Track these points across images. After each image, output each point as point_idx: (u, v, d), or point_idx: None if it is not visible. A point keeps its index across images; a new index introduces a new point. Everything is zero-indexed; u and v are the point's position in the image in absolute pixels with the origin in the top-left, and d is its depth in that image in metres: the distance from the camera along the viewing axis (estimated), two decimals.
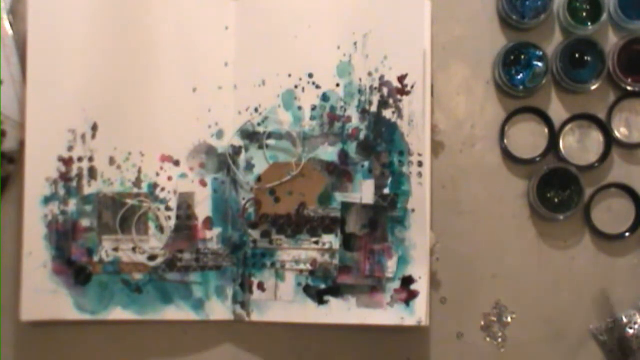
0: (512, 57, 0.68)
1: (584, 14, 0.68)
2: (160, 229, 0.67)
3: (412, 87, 0.65)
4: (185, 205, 0.67)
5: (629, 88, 0.68)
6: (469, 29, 0.70)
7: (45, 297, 0.66)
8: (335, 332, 0.68)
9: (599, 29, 0.68)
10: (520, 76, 0.68)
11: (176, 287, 0.66)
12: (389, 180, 0.65)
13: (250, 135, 0.67)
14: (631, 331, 0.67)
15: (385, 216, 0.65)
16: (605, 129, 0.68)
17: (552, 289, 0.68)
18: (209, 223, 0.67)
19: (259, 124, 0.67)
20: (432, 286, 0.67)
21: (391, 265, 0.65)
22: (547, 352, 0.68)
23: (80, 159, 0.67)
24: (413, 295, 0.65)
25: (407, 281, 0.65)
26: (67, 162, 0.67)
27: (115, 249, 0.66)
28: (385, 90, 0.66)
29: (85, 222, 0.67)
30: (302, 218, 0.66)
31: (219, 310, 0.66)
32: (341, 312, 0.65)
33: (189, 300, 0.66)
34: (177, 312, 0.66)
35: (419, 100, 0.65)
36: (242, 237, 0.66)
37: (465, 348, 0.68)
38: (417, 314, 0.64)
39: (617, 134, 0.69)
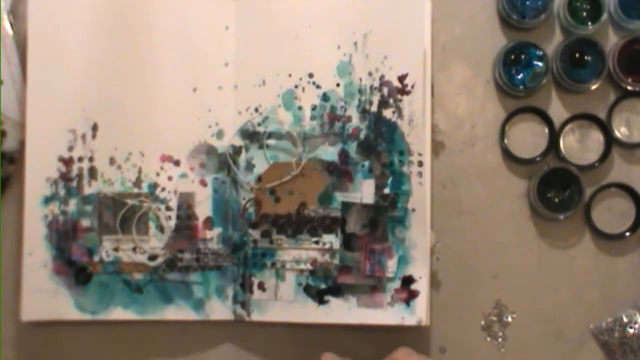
0: (512, 57, 0.68)
1: (584, 14, 0.68)
2: (161, 228, 0.67)
3: (412, 86, 0.65)
4: (186, 205, 0.67)
5: (629, 88, 0.68)
6: (469, 29, 0.70)
7: (46, 297, 0.66)
8: (335, 332, 0.68)
9: (599, 29, 0.68)
10: (520, 76, 0.68)
11: (176, 287, 0.66)
12: (389, 180, 0.65)
13: (251, 135, 0.67)
14: (632, 331, 0.67)
15: (386, 216, 0.65)
16: (606, 128, 0.68)
17: (552, 289, 0.69)
18: (209, 223, 0.67)
19: (259, 124, 0.67)
20: (432, 286, 0.67)
21: (391, 265, 0.65)
22: (547, 351, 0.68)
23: (80, 159, 0.67)
24: (413, 295, 0.65)
25: (408, 281, 0.65)
26: (67, 162, 0.67)
27: (116, 249, 0.67)
28: (385, 90, 0.66)
29: (85, 222, 0.67)
30: (303, 218, 0.66)
31: (219, 310, 0.66)
32: (341, 311, 0.65)
33: (189, 300, 0.66)
34: (177, 312, 0.66)
35: (419, 100, 0.65)
36: (242, 237, 0.66)
37: (465, 348, 0.68)
38: (418, 313, 0.64)
39: (617, 133, 0.69)
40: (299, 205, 0.66)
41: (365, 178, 0.66)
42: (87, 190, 0.67)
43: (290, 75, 0.67)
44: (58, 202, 0.66)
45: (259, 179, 0.67)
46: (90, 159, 0.67)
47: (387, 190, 0.65)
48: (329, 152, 0.66)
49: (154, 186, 0.67)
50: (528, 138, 0.69)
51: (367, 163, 0.66)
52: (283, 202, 0.66)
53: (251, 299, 0.66)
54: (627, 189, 0.68)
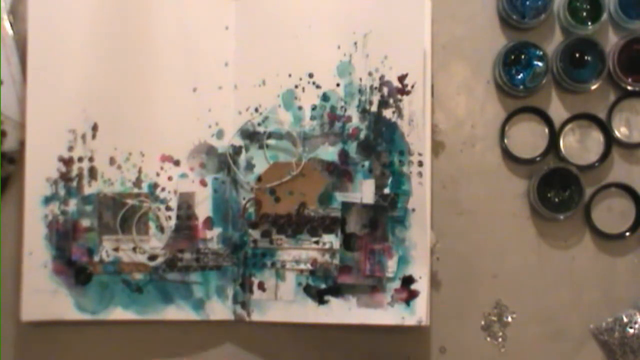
0: (512, 57, 0.68)
1: (584, 14, 0.68)
2: (161, 228, 0.67)
3: (412, 86, 0.65)
4: (186, 205, 0.67)
5: (629, 88, 0.68)
6: (469, 29, 0.70)
7: (46, 297, 0.66)
8: (335, 332, 0.68)
9: (599, 29, 0.68)
10: (520, 76, 0.68)
11: (176, 287, 0.66)
12: (389, 180, 0.65)
13: (251, 135, 0.67)
14: (632, 331, 0.67)
15: (386, 216, 0.65)
16: (606, 128, 0.68)
17: (552, 289, 0.68)
18: (209, 223, 0.67)
19: (259, 124, 0.67)
20: (432, 286, 0.67)
21: (391, 265, 0.65)
22: (547, 351, 0.68)
23: (80, 159, 0.67)
24: (413, 295, 0.65)
25: (408, 281, 0.65)
26: (67, 162, 0.67)
27: (116, 249, 0.67)
28: (385, 90, 0.66)
29: (85, 222, 0.67)
30: (303, 218, 0.66)
31: (219, 310, 0.66)
32: (341, 311, 0.65)
33: (189, 300, 0.66)
34: (177, 312, 0.66)
35: (419, 100, 0.65)
36: (242, 236, 0.66)
37: (465, 348, 0.68)
38: (418, 313, 0.64)
39: (617, 133, 0.69)
40: (299, 205, 0.66)
41: (365, 178, 0.66)
42: (87, 190, 0.67)
43: (290, 75, 0.67)
44: (58, 202, 0.66)
45: (259, 179, 0.67)
46: (90, 159, 0.67)
47: (387, 190, 0.65)
48: (329, 152, 0.66)
49: (154, 186, 0.67)
50: (528, 138, 0.69)
51: (367, 163, 0.66)
52: (283, 202, 0.66)
53: (251, 299, 0.66)
54: (627, 189, 0.68)
